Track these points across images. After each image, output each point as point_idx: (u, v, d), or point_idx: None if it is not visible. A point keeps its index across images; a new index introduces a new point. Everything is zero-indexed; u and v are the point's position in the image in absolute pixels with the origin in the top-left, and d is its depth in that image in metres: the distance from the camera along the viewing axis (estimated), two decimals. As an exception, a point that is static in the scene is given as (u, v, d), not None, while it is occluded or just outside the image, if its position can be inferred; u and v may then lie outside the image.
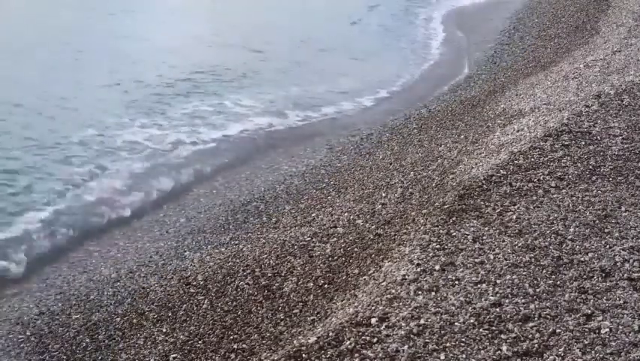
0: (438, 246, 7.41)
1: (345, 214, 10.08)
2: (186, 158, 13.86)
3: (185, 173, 13.15)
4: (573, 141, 9.98)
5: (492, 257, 7.13)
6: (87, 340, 8.33)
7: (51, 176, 12.55)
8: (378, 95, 18.19)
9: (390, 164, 12.11)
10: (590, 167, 9.20)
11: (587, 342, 5.88)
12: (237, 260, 9.45)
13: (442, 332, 6.00)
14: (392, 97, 18.14)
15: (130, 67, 18.96)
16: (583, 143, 9.93)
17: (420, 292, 6.58)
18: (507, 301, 6.41)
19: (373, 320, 6.23)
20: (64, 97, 16.48)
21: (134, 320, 8.58)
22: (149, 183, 12.68)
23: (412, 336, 5.96)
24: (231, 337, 7.76)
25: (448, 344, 5.86)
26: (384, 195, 10.39)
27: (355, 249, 8.67)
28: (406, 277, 6.88)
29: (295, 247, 9.32)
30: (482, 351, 5.78)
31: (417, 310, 6.30)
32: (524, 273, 6.84)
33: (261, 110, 16.55)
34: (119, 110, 15.91)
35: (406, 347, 5.83)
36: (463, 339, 5.92)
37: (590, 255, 7.18)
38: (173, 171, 13.17)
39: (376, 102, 17.73)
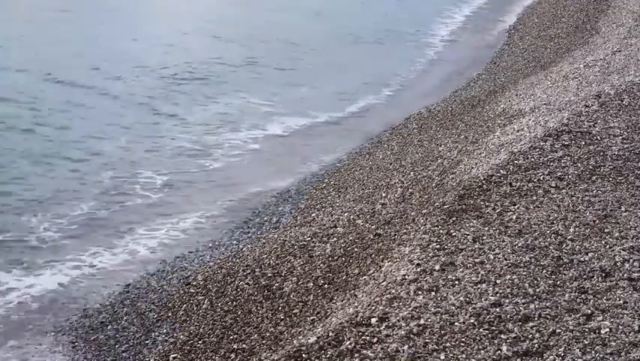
0: (438, 246, 7.41)
1: (345, 214, 10.08)
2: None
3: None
4: (573, 141, 9.98)
5: (492, 257, 7.12)
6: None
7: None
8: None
9: (390, 164, 12.11)
10: (590, 167, 9.20)
11: (587, 342, 5.87)
12: (237, 260, 9.45)
13: (442, 332, 6.00)
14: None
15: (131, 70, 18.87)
16: (583, 143, 9.93)
17: (420, 292, 6.58)
18: (507, 301, 6.40)
19: (373, 320, 6.23)
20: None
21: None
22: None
23: (412, 336, 5.96)
24: (231, 337, 7.76)
25: (448, 344, 5.86)
26: (384, 195, 10.38)
27: (355, 249, 8.66)
28: (406, 277, 6.88)
29: (295, 247, 9.31)
30: (482, 351, 5.78)
31: (417, 310, 6.30)
32: (524, 273, 6.84)
33: (273, 110, 16.48)
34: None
35: (406, 347, 5.83)
36: (463, 339, 5.92)
37: (590, 255, 7.18)
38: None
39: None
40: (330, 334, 6.16)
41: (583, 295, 6.51)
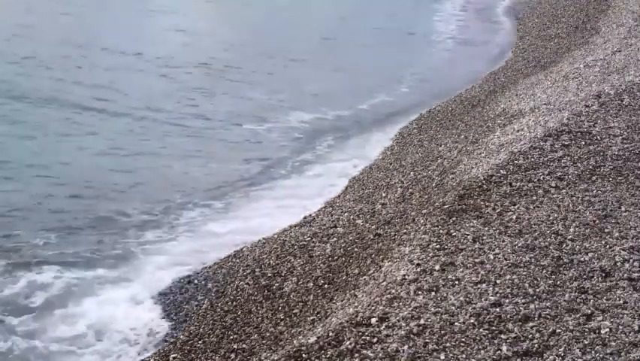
0: (438, 246, 7.41)
1: (345, 214, 10.08)
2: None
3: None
4: (573, 141, 9.98)
5: (492, 257, 7.12)
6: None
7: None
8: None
9: (390, 164, 12.11)
10: (590, 167, 9.20)
11: (587, 342, 5.87)
12: (237, 260, 9.45)
13: (442, 332, 6.00)
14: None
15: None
16: (583, 143, 9.93)
17: (420, 292, 6.58)
18: (507, 301, 6.40)
19: (373, 320, 6.23)
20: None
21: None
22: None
23: (412, 336, 5.96)
24: (231, 337, 7.75)
25: (448, 344, 5.86)
26: (384, 195, 10.38)
27: (355, 249, 8.67)
28: (406, 277, 6.88)
29: (295, 247, 9.32)
30: (482, 351, 5.78)
31: (417, 310, 6.30)
32: (524, 273, 6.84)
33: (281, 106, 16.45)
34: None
35: (406, 347, 5.83)
36: (463, 339, 5.92)
37: (590, 255, 7.18)
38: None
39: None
40: (330, 334, 6.16)
41: (583, 295, 6.51)
